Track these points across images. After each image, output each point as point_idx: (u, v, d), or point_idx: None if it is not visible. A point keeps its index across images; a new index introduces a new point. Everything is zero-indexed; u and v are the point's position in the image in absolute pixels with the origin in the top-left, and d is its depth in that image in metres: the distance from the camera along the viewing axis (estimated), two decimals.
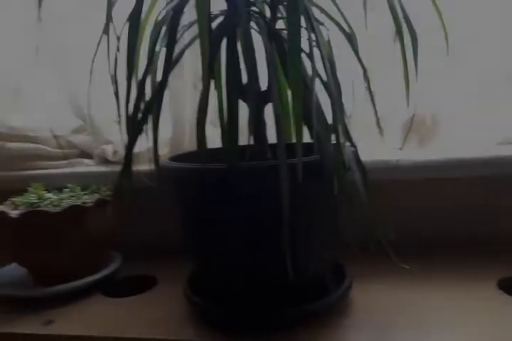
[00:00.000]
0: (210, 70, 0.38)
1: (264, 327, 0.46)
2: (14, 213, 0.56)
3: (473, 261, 0.59)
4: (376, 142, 0.56)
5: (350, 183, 0.42)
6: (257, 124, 0.48)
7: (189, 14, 0.60)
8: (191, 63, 0.67)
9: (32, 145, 0.76)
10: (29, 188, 0.62)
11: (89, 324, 0.50)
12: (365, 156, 0.45)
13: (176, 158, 0.52)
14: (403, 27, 0.40)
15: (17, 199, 0.61)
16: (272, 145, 0.48)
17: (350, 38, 0.43)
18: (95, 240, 0.61)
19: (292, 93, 0.35)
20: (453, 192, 0.65)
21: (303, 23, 0.36)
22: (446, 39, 0.45)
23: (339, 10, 0.44)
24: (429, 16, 0.44)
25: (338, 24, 0.44)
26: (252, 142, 0.48)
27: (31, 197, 0.60)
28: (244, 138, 0.39)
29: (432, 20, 0.44)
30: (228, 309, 0.47)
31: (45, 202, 0.59)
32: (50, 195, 0.62)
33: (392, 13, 0.40)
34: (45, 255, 0.58)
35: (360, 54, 0.42)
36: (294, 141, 0.56)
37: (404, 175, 0.61)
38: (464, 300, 0.50)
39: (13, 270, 0.63)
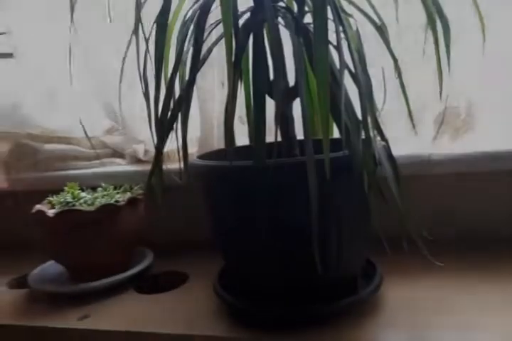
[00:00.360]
0: (235, 67, 0.38)
1: (293, 324, 0.45)
2: (51, 212, 0.58)
3: (508, 257, 0.57)
4: (409, 135, 0.55)
5: (381, 179, 0.41)
6: (284, 121, 0.47)
7: (217, 12, 0.60)
8: (219, 61, 0.67)
9: (67, 146, 0.78)
10: (65, 188, 0.65)
11: (123, 319, 0.51)
12: (396, 151, 0.43)
13: (204, 156, 0.52)
14: (435, 16, 0.39)
15: (53, 199, 0.63)
16: (301, 142, 0.47)
17: (381, 30, 0.42)
18: (128, 237, 0.62)
19: (318, 86, 0.34)
20: (487, 186, 0.63)
21: (330, 15, 0.35)
22: (483, 31, 0.43)
23: (369, 1, 0.43)
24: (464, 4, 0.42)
25: (367, 15, 0.43)
26: (279, 139, 0.48)
27: (67, 197, 0.62)
28: (272, 134, 0.39)
29: (466, 9, 0.42)
30: (258, 306, 0.47)
31: (79, 201, 0.61)
32: (84, 194, 0.64)
33: (423, 2, 0.38)
34: (80, 252, 0.60)
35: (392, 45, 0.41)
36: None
37: (436, 169, 0.59)
38: (500, 300, 0.48)
39: (51, 267, 0.66)
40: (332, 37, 0.36)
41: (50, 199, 0.63)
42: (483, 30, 0.44)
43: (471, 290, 0.50)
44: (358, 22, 0.43)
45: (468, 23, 0.48)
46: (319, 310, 0.45)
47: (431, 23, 0.38)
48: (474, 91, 0.61)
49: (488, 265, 0.56)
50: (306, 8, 0.45)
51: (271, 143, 0.38)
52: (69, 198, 0.62)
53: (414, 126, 0.43)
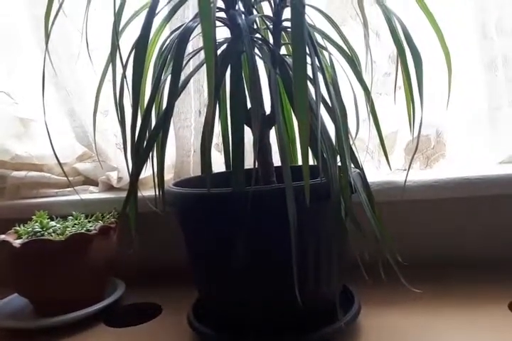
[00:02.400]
0: (216, 96, 0.38)
1: None
2: (17, 242, 0.56)
3: (483, 283, 0.57)
4: (381, 164, 0.56)
5: (356, 205, 0.41)
6: (261, 148, 0.48)
7: (192, 43, 0.61)
8: (195, 90, 0.68)
9: (37, 173, 0.76)
10: (33, 217, 0.62)
11: None
12: (370, 178, 0.44)
13: (180, 183, 0.52)
14: (405, 48, 0.41)
15: (20, 228, 0.60)
16: (277, 169, 0.48)
17: (353, 61, 0.44)
18: (99, 268, 0.60)
19: (298, 120, 0.35)
20: (457, 211, 0.65)
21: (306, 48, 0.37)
22: (449, 61, 0.45)
23: (341, 35, 0.45)
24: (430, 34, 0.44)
25: (340, 48, 0.44)
26: (257, 166, 0.48)
27: (35, 226, 0.60)
28: (247, 161, 0.39)
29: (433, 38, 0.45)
30: (234, 337, 0.45)
31: (48, 231, 0.59)
32: (53, 223, 0.61)
33: (392, 35, 0.40)
34: (47, 285, 0.57)
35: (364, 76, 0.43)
36: (299, 163, 0.57)
37: (409, 195, 0.60)
38: (476, 326, 0.48)
39: (15, 300, 0.62)
40: (307, 69, 0.37)
41: (17, 228, 0.60)
42: (449, 62, 0.46)
43: (449, 317, 0.50)
44: (332, 52, 0.45)
45: (432, 52, 0.50)
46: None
47: (401, 55, 0.40)
48: (442, 119, 0.64)
49: (465, 291, 0.56)
50: (281, 41, 0.47)
51: (248, 170, 0.38)
52: (37, 227, 0.59)
53: (386, 155, 0.44)
